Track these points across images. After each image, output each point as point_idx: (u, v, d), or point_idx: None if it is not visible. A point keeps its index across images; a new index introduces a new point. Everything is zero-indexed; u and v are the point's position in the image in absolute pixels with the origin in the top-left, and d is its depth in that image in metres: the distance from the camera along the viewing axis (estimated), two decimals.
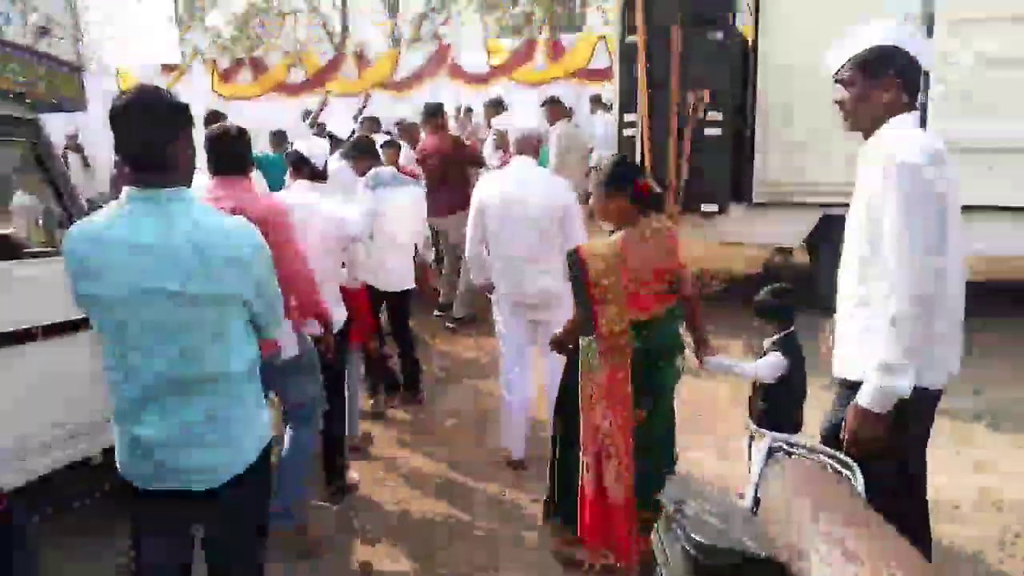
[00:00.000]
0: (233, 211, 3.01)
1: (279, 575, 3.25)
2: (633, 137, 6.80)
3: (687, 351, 3.18)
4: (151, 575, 2.19)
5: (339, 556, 3.46)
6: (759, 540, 1.61)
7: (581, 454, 3.03)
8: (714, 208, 6.67)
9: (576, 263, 2.96)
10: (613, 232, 3.06)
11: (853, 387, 2.24)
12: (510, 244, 4.05)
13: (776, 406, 3.13)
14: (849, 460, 1.93)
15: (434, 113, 7.16)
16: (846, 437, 2.15)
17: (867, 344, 2.19)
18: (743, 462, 3.14)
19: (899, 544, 1.51)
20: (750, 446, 3.02)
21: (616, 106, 7.05)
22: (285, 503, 3.33)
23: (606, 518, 3.00)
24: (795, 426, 3.09)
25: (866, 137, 2.34)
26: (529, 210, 3.96)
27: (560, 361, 3.95)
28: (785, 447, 2.05)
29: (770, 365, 3.12)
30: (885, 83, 2.23)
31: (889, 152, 2.14)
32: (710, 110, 6.55)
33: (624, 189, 3.03)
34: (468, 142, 7.87)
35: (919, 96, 2.32)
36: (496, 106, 8.64)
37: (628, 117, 6.86)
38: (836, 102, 2.36)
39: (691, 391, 5.17)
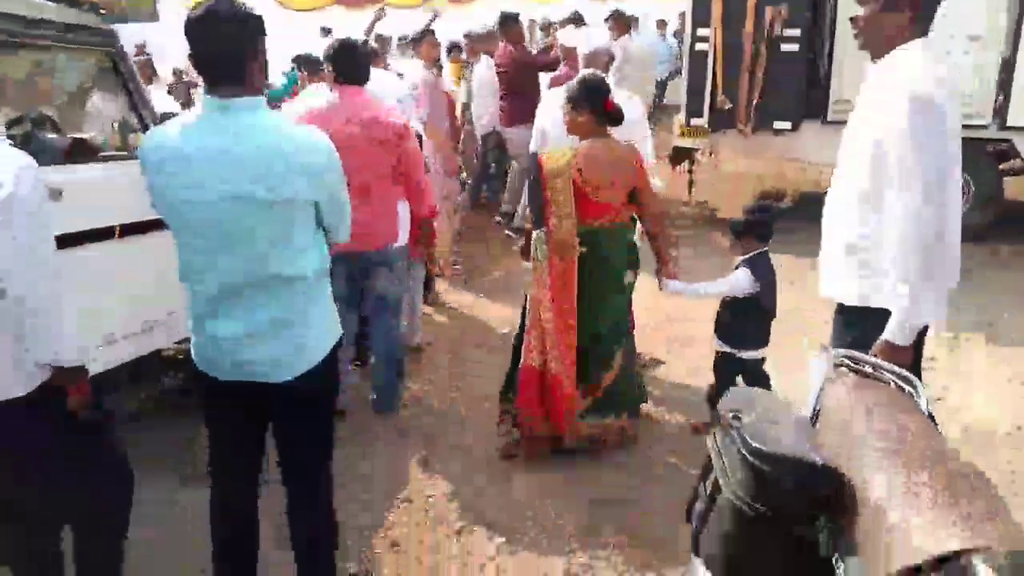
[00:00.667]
0: (374, 120, 3.44)
1: (348, 464, 3.43)
2: (705, 52, 6.58)
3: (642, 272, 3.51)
4: (225, 463, 2.34)
5: (397, 454, 3.61)
6: (816, 449, 1.62)
7: (525, 333, 3.43)
8: (787, 126, 6.48)
9: (534, 163, 3.35)
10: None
11: (845, 312, 2.39)
12: None
13: (744, 323, 3.35)
14: (911, 376, 1.91)
15: (509, 21, 6.95)
16: None
17: (866, 278, 2.29)
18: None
19: (957, 459, 1.50)
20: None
21: (689, 19, 6.81)
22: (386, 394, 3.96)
23: (544, 390, 3.40)
24: (760, 342, 3.37)
25: (874, 59, 2.33)
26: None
27: None
28: (848, 361, 2.03)
29: (737, 281, 3.28)
30: (898, 6, 2.20)
31: (900, 82, 2.15)
32: (787, 27, 6.30)
33: (593, 105, 3.25)
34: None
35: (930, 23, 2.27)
36: (575, 22, 8.33)
37: (700, 32, 6.64)
38: (850, 19, 2.36)
39: None
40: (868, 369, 2.05)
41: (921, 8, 2.21)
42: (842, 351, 2.03)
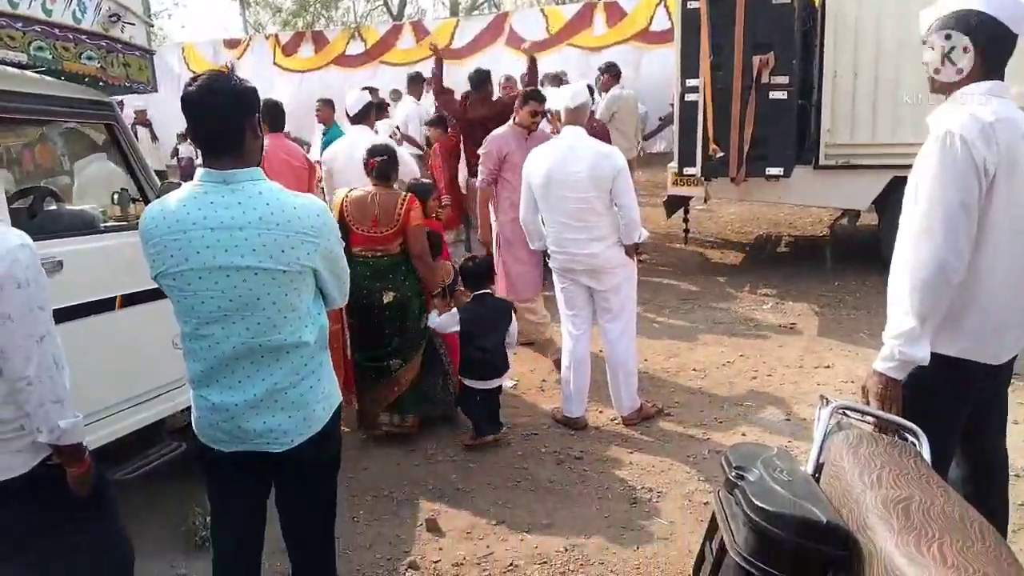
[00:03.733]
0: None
1: (351, 532, 3.39)
2: (695, 102, 6.69)
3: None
4: (226, 534, 2.32)
5: (408, 510, 3.58)
6: (821, 506, 1.61)
7: None
8: (779, 172, 6.55)
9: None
10: None
11: None
12: (559, 212, 4.11)
13: (465, 356, 4.17)
14: (914, 426, 1.91)
15: (482, 81, 6.89)
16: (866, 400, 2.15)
17: (892, 311, 2.20)
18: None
19: (964, 510, 1.50)
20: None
21: (677, 70, 6.93)
22: None
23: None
24: (487, 374, 4.11)
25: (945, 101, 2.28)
26: (578, 178, 3.99)
27: (619, 329, 4.07)
28: (849, 412, 2.03)
29: (443, 320, 4.18)
30: (963, 47, 2.15)
31: (941, 120, 2.11)
32: (775, 75, 6.41)
33: (367, 165, 4.19)
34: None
35: (1004, 62, 2.22)
36: (556, 80, 8.51)
37: (690, 82, 6.75)
38: (924, 64, 2.30)
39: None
40: (870, 420, 2.06)
41: (986, 52, 2.15)
42: (841, 402, 2.03)
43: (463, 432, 4.32)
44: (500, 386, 4.24)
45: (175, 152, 12.52)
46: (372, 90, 8.38)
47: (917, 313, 2.07)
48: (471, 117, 6.65)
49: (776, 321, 5.96)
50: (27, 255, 2.02)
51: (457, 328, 4.16)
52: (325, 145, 7.16)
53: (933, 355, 2.11)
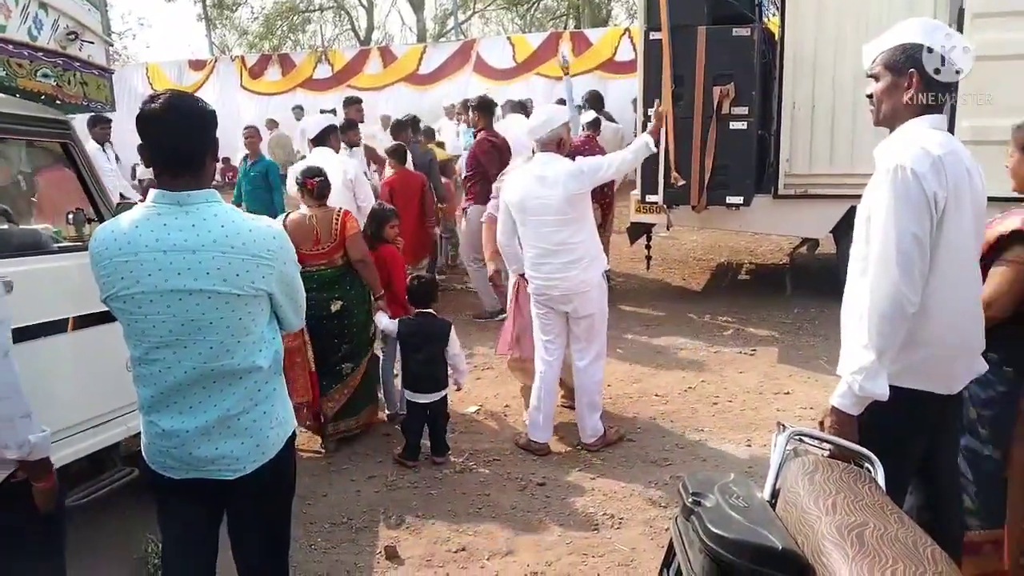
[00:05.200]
0: None
1: (307, 560, 3.32)
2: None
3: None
4: (177, 563, 2.26)
5: (368, 538, 3.51)
6: (777, 532, 1.61)
7: None
8: (739, 201, 6.65)
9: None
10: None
11: None
12: (536, 236, 4.13)
13: (406, 370, 4.39)
14: (869, 453, 1.92)
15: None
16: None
17: (845, 342, 2.21)
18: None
19: (917, 536, 1.51)
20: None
21: (640, 99, 7.03)
22: None
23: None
24: (426, 387, 4.27)
25: (891, 133, 2.31)
26: (552, 201, 4.03)
27: (591, 356, 4.08)
28: (805, 439, 2.04)
29: (387, 325, 4.44)
30: (906, 80, 2.20)
31: (890, 153, 2.14)
32: (735, 105, 6.53)
33: (302, 186, 4.46)
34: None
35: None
36: (520, 107, 8.55)
37: (652, 112, 6.83)
38: (867, 96, 2.34)
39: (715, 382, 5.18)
40: (826, 446, 2.07)
41: (929, 85, 2.19)
42: (796, 428, 2.04)
43: (423, 458, 4.28)
44: (444, 401, 4.39)
45: (133, 173, 12.35)
46: (333, 112, 8.40)
47: (876, 347, 2.09)
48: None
49: (737, 347, 6.01)
50: None
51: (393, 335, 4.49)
52: (245, 175, 7.14)
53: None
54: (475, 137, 7.15)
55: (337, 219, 4.41)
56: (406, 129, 7.90)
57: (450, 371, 4.40)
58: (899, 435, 2.24)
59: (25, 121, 3.21)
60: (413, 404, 4.32)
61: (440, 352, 4.33)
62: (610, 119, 8.89)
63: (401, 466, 4.25)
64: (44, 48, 3.21)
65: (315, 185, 4.42)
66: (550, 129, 4.13)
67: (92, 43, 3.50)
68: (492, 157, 6.75)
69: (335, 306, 4.40)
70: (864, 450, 1.99)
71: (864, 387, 2.11)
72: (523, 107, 8.59)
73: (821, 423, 2.25)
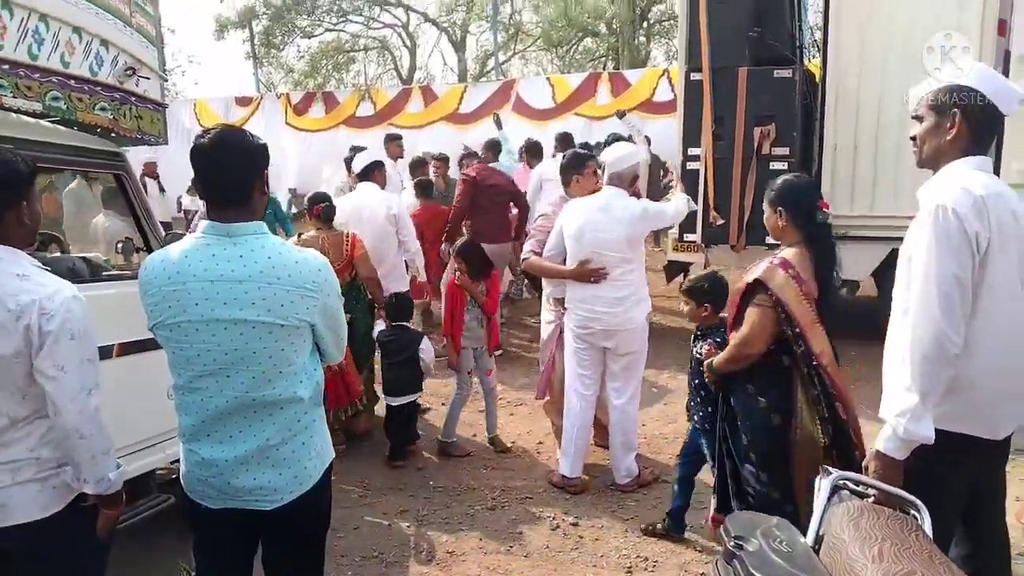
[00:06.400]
0: None
1: None
2: (696, 171, 6.79)
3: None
4: None
5: (398, 572, 3.50)
6: None
7: None
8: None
9: None
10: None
11: None
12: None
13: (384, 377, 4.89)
14: (916, 500, 1.87)
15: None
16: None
17: (888, 385, 2.19)
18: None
19: None
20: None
21: (679, 139, 7.06)
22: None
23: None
24: (399, 390, 4.75)
25: (934, 175, 2.30)
26: (614, 238, 4.01)
27: (628, 394, 4.04)
28: (851, 484, 2.00)
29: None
30: (949, 121, 2.19)
31: (932, 193, 2.13)
32: (776, 146, 6.52)
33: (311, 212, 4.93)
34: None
35: (991, 138, 2.27)
36: (565, 141, 8.51)
37: (692, 151, 6.86)
38: (911, 138, 2.33)
39: None
40: (871, 492, 2.02)
41: (973, 126, 2.18)
42: (841, 473, 2.00)
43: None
44: (415, 403, 4.95)
45: (178, 205, 12.62)
46: (363, 149, 8.56)
47: (919, 389, 2.06)
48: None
49: None
50: (79, 307, 2.06)
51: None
52: None
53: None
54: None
55: (347, 241, 4.91)
56: (423, 166, 8.12)
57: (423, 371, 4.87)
58: (940, 479, 2.18)
59: (82, 152, 3.33)
60: (391, 407, 4.80)
61: (413, 359, 4.76)
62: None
63: (392, 467, 4.70)
64: (103, 83, 3.32)
65: (321, 210, 4.94)
66: (629, 164, 4.14)
67: (148, 79, 3.62)
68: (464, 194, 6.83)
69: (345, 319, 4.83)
70: (911, 496, 1.94)
71: (909, 430, 2.07)
72: (568, 141, 8.53)
73: (866, 467, 2.20)
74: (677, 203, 4.30)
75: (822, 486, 1.92)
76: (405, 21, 24.07)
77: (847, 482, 2.00)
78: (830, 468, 2.01)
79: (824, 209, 2.90)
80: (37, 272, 2.08)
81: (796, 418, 2.76)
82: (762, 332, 2.79)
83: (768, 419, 2.82)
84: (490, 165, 8.13)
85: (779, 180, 2.95)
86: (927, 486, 2.05)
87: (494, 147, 8.24)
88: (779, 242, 2.95)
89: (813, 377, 2.73)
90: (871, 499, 1.97)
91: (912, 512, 1.87)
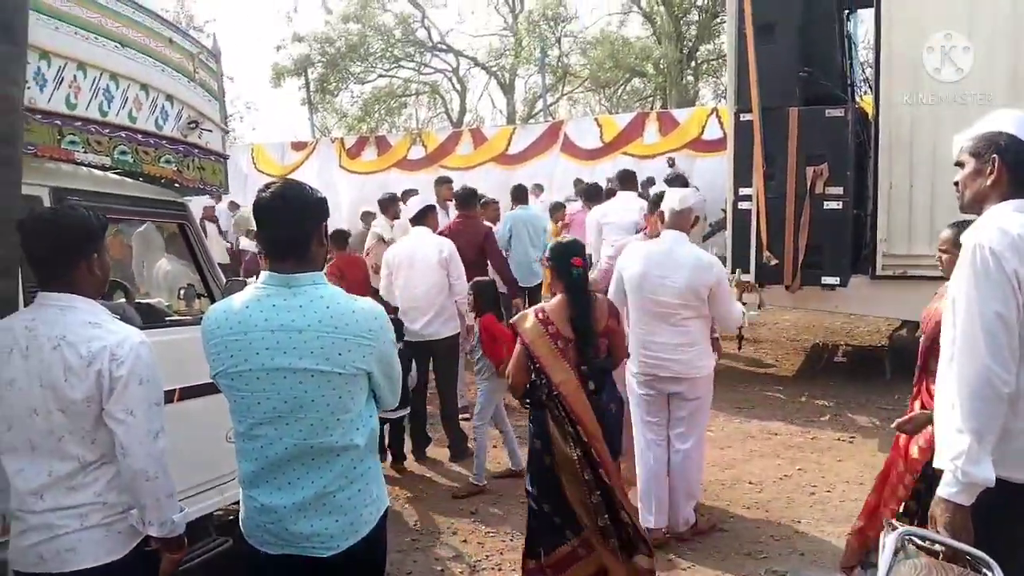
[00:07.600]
0: None
1: None
2: (748, 210, 6.74)
3: None
4: None
5: None
6: None
7: None
8: (835, 281, 6.49)
9: None
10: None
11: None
12: (650, 313, 4.01)
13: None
14: (986, 556, 1.80)
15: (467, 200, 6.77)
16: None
17: (939, 433, 2.13)
18: None
19: None
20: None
21: (730, 179, 7.02)
22: None
23: None
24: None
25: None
26: (675, 285, 3.93)
27: (693, 440, 4.18)
28: (917, 540, 1.93)
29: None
30: (989, 166, 2.20)
31: (971, 235, 2.13)
32: (830, 185, 6.45)
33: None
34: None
35: None
36: (624, 180, 8.21)
37: (742, 191, 6.82)
38: (954, 184, 2.36)
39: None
40: (939, 548, 1.95)
41: (1013, 170, 2.18)
42: (907, 528, 1.94)
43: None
44: (401, 418, 5.40)
45: (237, 245, 12.91)
46: (415, 192, 8.69)
47: (971, 429, 2.00)
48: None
49: (835, 434, 5.77)
50: (147, 352, 2.14)
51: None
52: None
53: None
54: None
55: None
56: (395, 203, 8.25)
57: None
58: (1013, 534, 2.09)
59: (147, 203, 3.46)
60: (385, 420, 4.89)
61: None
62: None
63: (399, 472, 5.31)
64: (168, 136, 3.46)
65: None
66: (691, 204, 4.09)
67: (211, 131, 3.76)
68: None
69: None
70: (979, 552, 1.86)
71: (967, 472, 1.99)
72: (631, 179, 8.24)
73: (931, 516, 2.12)
74: (740, 307, 4.39)
75: (887, 542, 1.86)
76: (455, 66, 24.56)
77: (913, 538, 1.93)
78: (894, 523, 1.95)
79: (578, 265, 3.39)
80: (108, 319, 2.17)
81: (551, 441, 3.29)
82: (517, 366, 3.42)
83: (533, 443, 3.42)
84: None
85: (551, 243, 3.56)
86: (996, 540, 1.98)
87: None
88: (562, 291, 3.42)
89: (556, 403, 3.29)
90: (940, 556, 1.90)
91: (984, 571, 1.80)
